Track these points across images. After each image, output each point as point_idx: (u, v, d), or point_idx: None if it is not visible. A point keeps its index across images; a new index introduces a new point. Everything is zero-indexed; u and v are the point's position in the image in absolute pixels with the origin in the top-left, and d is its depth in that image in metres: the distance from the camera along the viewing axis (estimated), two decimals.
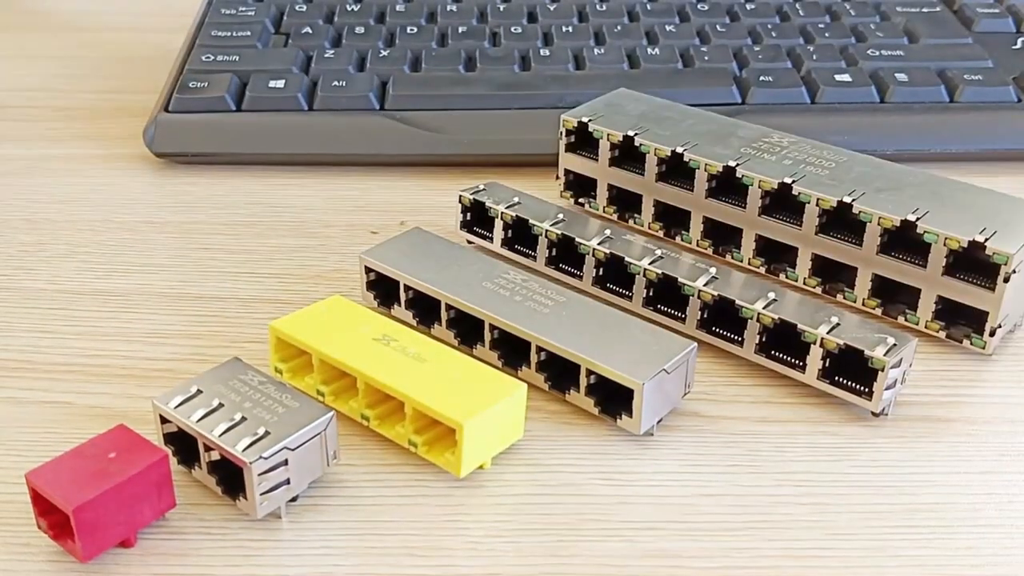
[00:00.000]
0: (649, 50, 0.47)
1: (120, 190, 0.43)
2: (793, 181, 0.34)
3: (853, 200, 0.33)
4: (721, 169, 0.35)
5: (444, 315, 0.33)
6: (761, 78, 0.45)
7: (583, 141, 0.39)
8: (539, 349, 0.31)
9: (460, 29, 0.49)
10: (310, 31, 0.49)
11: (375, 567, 0.26)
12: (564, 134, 0.39)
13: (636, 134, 0.37)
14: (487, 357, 0.32)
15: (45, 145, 0.47)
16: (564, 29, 0.49)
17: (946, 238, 0.32)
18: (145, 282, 0.37)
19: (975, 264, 0.32)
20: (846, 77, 0.45)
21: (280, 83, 0.45)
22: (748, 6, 0.52)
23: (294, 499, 0.28)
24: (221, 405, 0.28)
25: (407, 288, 0.33)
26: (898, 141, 0.43)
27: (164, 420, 0.28)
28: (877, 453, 0.30)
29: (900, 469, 0.29)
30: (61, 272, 0.38)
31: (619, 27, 0.50)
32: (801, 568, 0.26)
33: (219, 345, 0.34)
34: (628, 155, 0.38)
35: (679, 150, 0.36)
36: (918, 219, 0.32)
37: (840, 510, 0.28)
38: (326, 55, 0.47)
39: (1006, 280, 0.31)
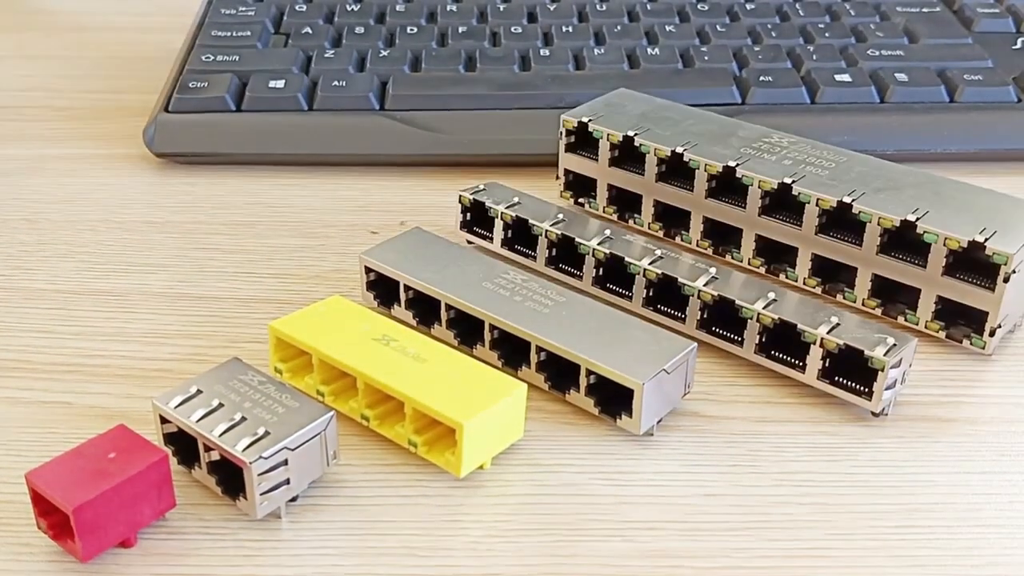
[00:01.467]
0: (649, 50, 0.47)
1: (120, 190, 0.43)
2: (793, 181, 0.34)
3: (853, 200, 0.33)
4: (721, 169, 0.35)
5: (444, 315, 0.33)
6: (761, 78, 0.45)
7: (583, 141, 0.39)
8: (539, 349, 0.31)
9: (460, 29, 0.49)
10: (310, 31, 0.49)
11: (375, 567, 0.26)
12: (564, 134, 0.39)
13: (636, 134, 0.37)
14: (487, 357, 0.32)
15: (45, 145, 0.47)
16: (564, 29, 0.49)
17: (946, 238, 0.32)
18: (145, 282, 0.37)
19: (975, 264, 0.32)
20: (846, 77, 0.45)
21: (280, 83, 0.45)
22: (748, 6, 0.52)
23: (294, 499, 0.28)
24: (221, 405, 0.28)
25: (407, 288, 0.33)
26: (898, 141, 0.43)
27: (164, 420, 0.28)
28: (877, 453, 0.30)
29: (900, 469, 0.29)
30: (61, 272, 0.38)
31: (619, 27, 0.50)
32: (801, 568, 0.26)
33: (219, 345, 0.34)
34: (628, 155, 0.38)
35: (679, 150, 0.36)
36: (918, 219, 0.32)
37: (840, 510, 0.28)
38: (326, 55, 0.47)
39: (1006, 280, 0.31)
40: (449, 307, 0.33)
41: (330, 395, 0.31)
